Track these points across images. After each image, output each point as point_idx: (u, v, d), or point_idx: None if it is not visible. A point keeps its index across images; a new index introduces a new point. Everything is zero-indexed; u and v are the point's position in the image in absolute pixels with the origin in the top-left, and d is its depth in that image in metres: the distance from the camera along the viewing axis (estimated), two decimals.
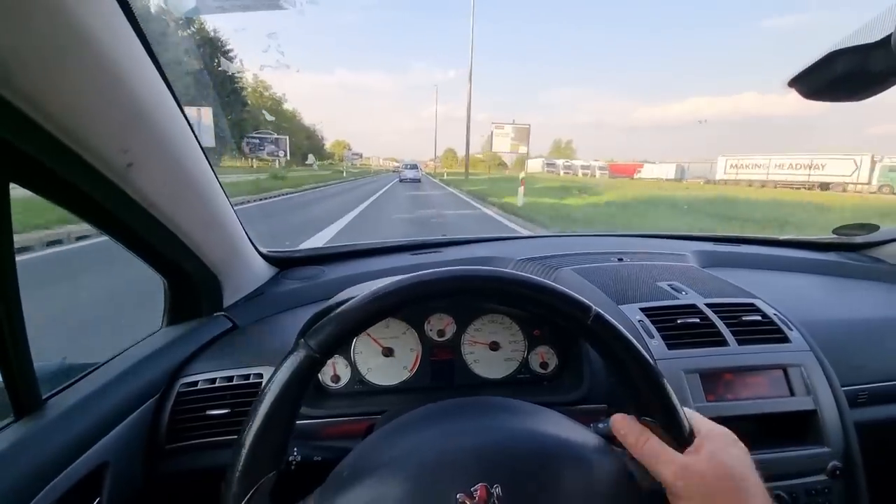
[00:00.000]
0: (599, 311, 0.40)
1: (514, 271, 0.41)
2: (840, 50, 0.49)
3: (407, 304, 0.40)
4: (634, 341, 0.40)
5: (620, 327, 0.40)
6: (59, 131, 0.43)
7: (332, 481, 0.40)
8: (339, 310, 0.39)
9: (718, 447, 0.38)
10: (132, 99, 0.49)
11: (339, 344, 0.39)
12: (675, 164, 43.32)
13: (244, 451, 0.36)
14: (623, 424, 0.42)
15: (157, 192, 0.59)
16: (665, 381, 0.39)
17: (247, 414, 0.38)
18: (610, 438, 0.56)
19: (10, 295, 0.49)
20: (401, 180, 25.53)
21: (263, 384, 0.39)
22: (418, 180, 26.33)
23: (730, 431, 0.40)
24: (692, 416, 0.41)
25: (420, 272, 0.41)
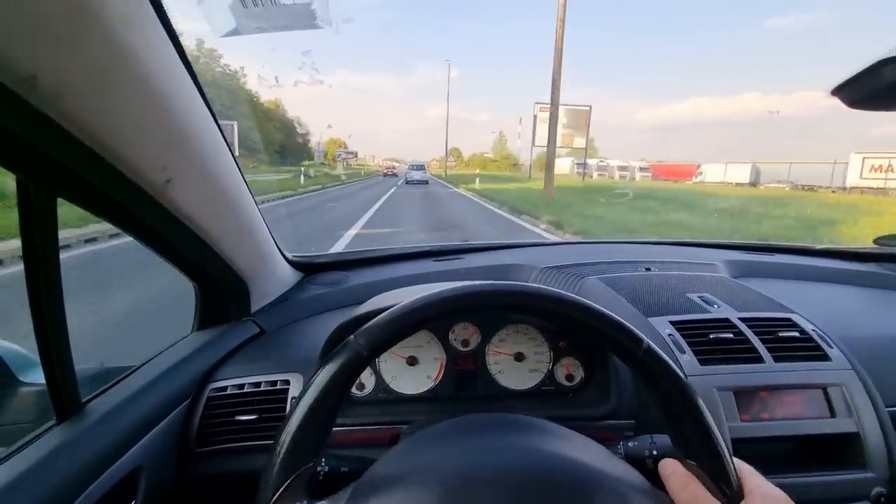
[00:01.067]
0: (651, 343, 0.39)
1: (545, 284, 0.41)
2: (889, 58, 0.47)
3: (453, 313, 0.41)
4: (687, 381, 0.39)
5: (672, 364, 0.39)
6: (105, 151, 0.45)
7: (367, 480, 0.40)
8: (392, 310, 0.40)
9: None
10: (173, 119, 0.50)
11: (388, 344, 0.40)
12: (751, 164, 33.70)
13: (287, 440, 0.38)
14: (669, 467, 0.40)
15: (192, 204, 0.61)
16: (715, 426, 0.38)
17: (274, 420, 0.39)
18: (641, 460, 0.55)
19: (55, 302, 0.51)
20: (407, 182, 25.04)
21: (311, 376, 0.40)
22: (426, 182, 25.85)
23: (787, 497, 0.37)
24: (745, 473, 0.38)
25: (470, 283, 0.41)
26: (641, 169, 44.96)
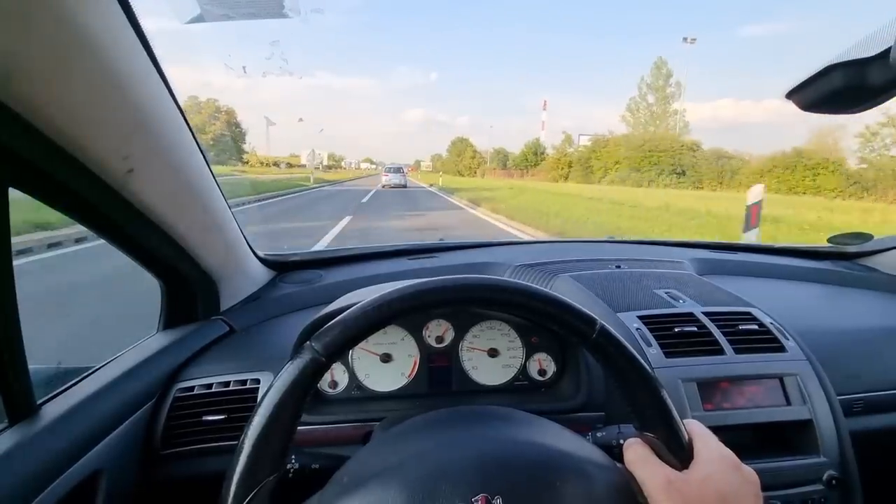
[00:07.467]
0: (604, 324, 0.40)
1: (518, 280, 0.41)
2: (838, 63, 0.49)
3: (411, 311, 0.40)
4: (637, 355, 0.40)
5: (624, 341, 0.40)
6: (60, 138, 0.43)
7: (331, 487, 0.40)
8: (345, 313, 0.39)
9: (715, 471, 0.37)
10: (135, 106, 0.49)
11: (346, 348, 0.39)
12: None
13: (246, 454, 0.36)
14: (629, 444, 0.41)
15: (156, 197, 0.59)
16: (665, 394, 0.39)
17: (243, 420, 0.38)
18: (609, 448, 0.56)
19: (6, 299, 0.48)
20: (383, 186, 24.18)
21: (268, 386, 0.38)
22: (404, 185, 25.00)
23: (734, 457, 0.38)
24: (697, 435, 0.40)
25: (425, 280, 0.41)
26: None
